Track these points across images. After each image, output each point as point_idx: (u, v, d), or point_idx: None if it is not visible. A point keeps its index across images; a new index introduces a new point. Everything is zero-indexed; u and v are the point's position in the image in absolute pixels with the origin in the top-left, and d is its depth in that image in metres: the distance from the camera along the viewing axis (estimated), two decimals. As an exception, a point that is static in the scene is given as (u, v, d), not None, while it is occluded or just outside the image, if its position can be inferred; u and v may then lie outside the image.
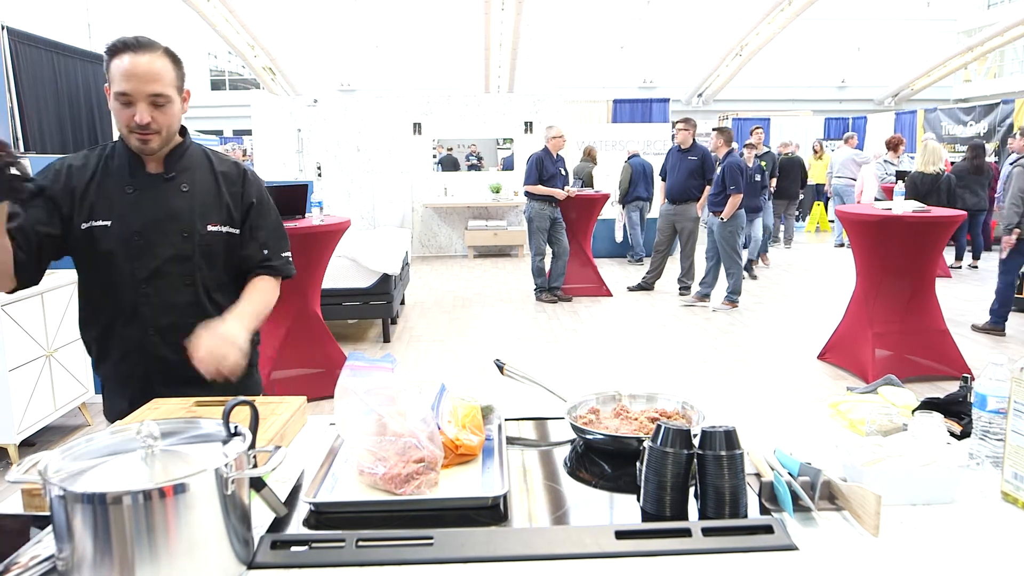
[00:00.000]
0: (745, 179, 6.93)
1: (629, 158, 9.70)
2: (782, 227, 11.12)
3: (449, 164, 10.94)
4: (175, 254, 1.69)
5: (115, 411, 1.74)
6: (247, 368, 1.60)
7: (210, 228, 1.72)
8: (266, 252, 1.81)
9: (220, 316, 1.65)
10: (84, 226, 1.65)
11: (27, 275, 1.62)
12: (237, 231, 1.77)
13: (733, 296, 6.99)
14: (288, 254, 1.87)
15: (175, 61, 1.65)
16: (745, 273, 8.09)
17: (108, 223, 1.65)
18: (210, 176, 1.76)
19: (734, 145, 7.04)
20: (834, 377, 4.84)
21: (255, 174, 1.86)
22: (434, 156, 10.82)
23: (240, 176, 1.80)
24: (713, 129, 7.22)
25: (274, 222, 1.85)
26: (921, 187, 6.31)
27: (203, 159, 1.77)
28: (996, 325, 5.95)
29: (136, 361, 1.71)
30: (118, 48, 1.60)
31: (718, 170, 6.89)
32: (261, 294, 1.77)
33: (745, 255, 8.18)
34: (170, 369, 1.69)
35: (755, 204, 8.28)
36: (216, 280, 1.75)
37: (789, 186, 10.36)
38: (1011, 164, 6.01)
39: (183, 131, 1.76)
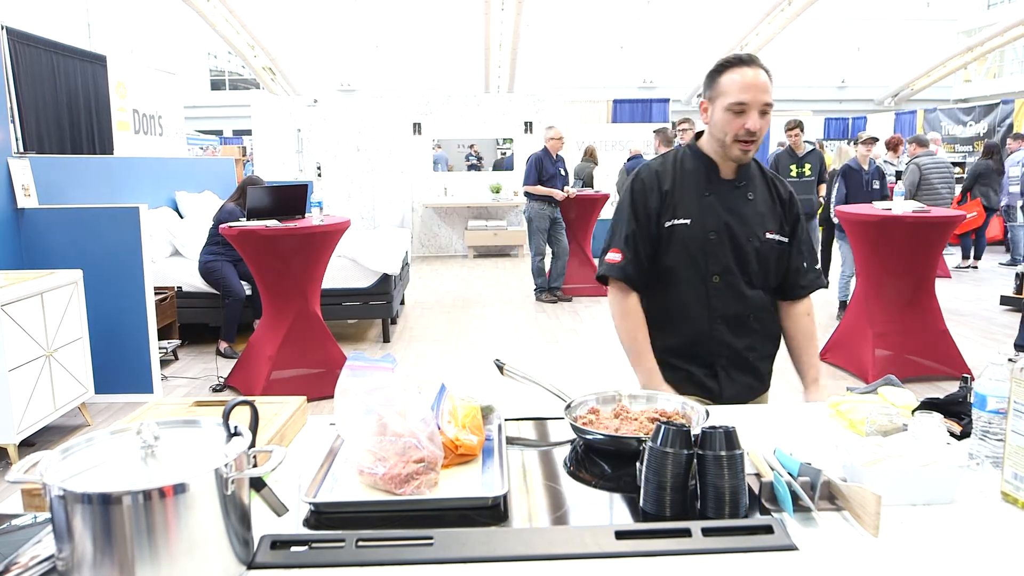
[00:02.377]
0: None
1: (628, 159, 9.17)
2: None
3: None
4: (741, 254, 1.87)
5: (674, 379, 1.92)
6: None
7: (767, 235, 1.90)
8: (806, 264, 2.01)
9: (765, 311, 1.93)
10: (668, 224, 1.87)
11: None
12: (787, 240, 1.95)
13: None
14: (819, 265, 2.06)
15: (769, 76, 1.80)
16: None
17: (688, 221, 1.87)
18: (766, 187, 1.95)
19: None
20: (834, 377, 4.84)
21: (794, 194, 2.03)
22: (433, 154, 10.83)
23: (788, 193, 1.99)
24: (654, 131, 7.20)
25: (809, 239, 2.04)
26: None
27: (759, 171, 1.97)
28: None
29: (703, 344, 1.90)
30: (732, 63, 1.78)
31: None
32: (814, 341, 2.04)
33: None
34: (734, 353, 1.90)
35: None
36: (765, 282, 1.93)
37: None
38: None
39: None
